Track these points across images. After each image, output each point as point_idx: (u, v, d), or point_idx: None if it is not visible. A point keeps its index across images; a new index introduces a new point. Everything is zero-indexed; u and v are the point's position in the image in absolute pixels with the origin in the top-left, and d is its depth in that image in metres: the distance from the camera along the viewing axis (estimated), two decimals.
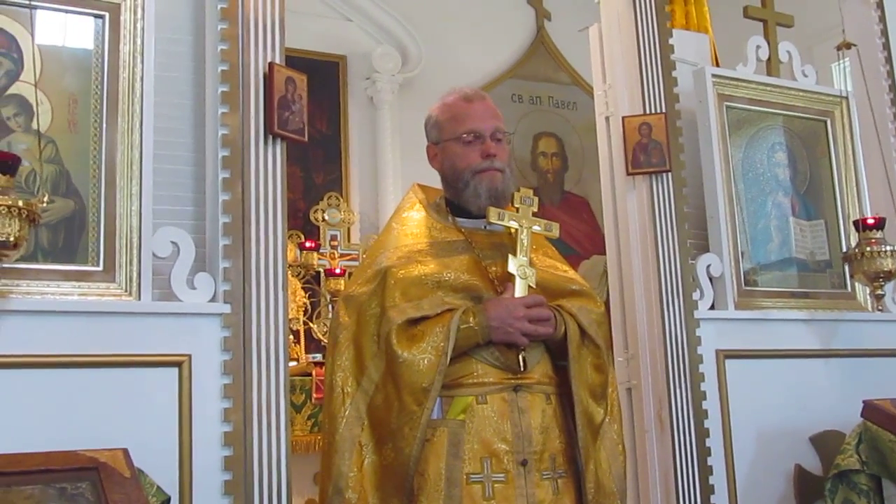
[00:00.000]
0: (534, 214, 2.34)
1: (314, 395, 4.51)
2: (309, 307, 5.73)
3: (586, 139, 6.96)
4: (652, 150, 3.42)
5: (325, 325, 5.48)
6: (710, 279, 3.47)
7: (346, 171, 6.56)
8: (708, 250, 3.53)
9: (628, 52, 3.56)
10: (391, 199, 6.28)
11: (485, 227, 2.36)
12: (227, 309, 2.58)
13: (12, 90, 2.47)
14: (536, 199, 2.37)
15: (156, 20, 2.64)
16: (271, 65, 2.73)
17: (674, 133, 3.47)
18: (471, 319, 2.16)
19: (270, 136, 2.71)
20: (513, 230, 2.32)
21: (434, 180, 2.48)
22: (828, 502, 3.04)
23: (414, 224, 2.38)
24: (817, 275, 3.79)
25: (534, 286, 2.25)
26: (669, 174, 3.44)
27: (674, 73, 3.55)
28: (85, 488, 2.06)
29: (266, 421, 2.57)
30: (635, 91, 3.51)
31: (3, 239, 2.13)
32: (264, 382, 2.58)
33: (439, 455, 2.13)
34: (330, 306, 5.53)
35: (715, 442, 3.30)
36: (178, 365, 2.50)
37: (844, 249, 3.73)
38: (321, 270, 5.83)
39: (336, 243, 6.08)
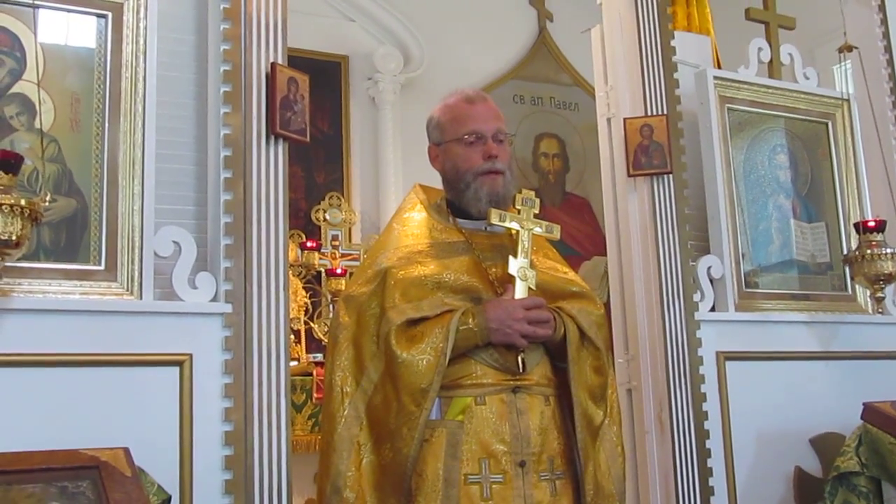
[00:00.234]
0: (535, 216, 2.34)
1: (315, 395, 4.51)
2: (310, 307, 5.73)
3: (588, 140, 6.96)
4: (653, 152, 3.43)
5: (325, 324, 5.48)
6: (711, 281, 3.48)
7: (348, 172, 6.56)
8: (709, 252, 3.54)
9: (630, 54, 3.56)
10: (392, 200, 6.28)
11: (485, 228, 2.35)
12: (228, 308, 2.59)
13: (15, 89, 2.48)
14: (538, 200, 2.36)
15: (158, 20, 2.65)
16: (273, 65, 2.73)
17: (675, 135, 3.47)
18: (470, 320, 2.16)
19: (272, 136, 2.72)
20: (514, 232, 2.31)
21: (435, 181, 2.48)
22: None
23: (415, 225, 2.38)
24: (818, 277, 3.80)
25: (534, 288, 2.25)
26: (670, 176, 3.44)
27: (675, 75, 3.55)
28: (86, 487, 2.07)
29: (267, 420, 2.57)
30: (637, 92, 3.51)
31: (6, 238, 2.14)
32: (265, 382, 2.58)
33: (437, 455, 2.13)
34: (331, 306, 5.53)
35: (715, 443, 3.31)
36: (180, 364, 2.50)
37: (845, 252, 3.74)
38: (322, 270, 5.82)
39: (337, 243, 6.08)
